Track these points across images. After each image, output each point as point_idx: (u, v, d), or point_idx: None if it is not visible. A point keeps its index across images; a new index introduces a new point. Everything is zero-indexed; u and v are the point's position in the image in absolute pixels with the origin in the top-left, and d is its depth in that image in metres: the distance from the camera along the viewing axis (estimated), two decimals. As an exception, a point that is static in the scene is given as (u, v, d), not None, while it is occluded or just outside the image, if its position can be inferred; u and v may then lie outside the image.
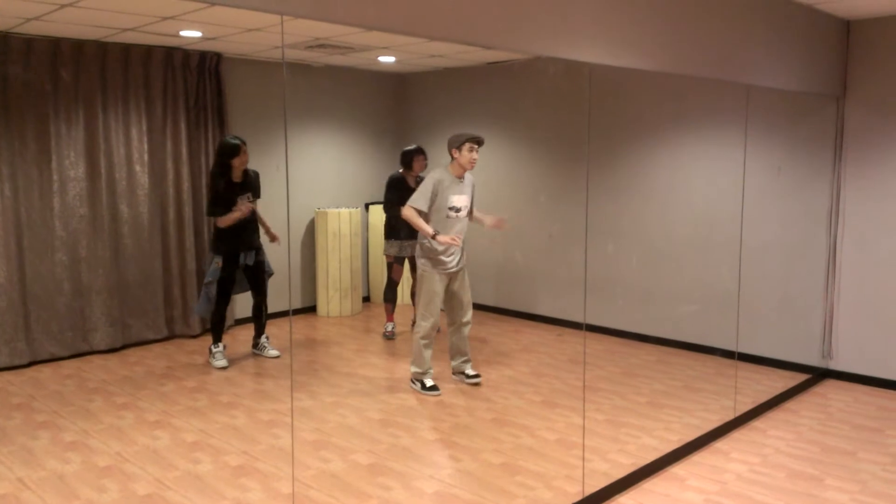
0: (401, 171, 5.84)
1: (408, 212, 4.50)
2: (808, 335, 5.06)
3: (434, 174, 4.54)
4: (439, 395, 4.62)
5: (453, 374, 4.93)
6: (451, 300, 4.73)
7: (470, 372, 4.85)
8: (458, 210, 4.56)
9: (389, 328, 6.01)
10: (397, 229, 5.84)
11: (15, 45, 5.04)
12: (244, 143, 5.07)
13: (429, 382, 4.67)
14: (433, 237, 4.44)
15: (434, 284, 4.58)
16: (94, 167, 5.49)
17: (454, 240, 4.41)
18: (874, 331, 4.80)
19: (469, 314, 4.78)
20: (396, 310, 6.20)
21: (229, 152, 5.01)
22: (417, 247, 4.66)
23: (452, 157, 4.53)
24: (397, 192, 5.70)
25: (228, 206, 5.05)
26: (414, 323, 6.10)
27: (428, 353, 4.67)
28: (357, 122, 7.24)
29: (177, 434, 3.99)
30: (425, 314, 4.62)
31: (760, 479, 3.47)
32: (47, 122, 5.24)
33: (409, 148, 5.81)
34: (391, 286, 5.99)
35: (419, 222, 4.47)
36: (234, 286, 5.29)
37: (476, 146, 4.48)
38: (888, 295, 4.72)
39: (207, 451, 3.75)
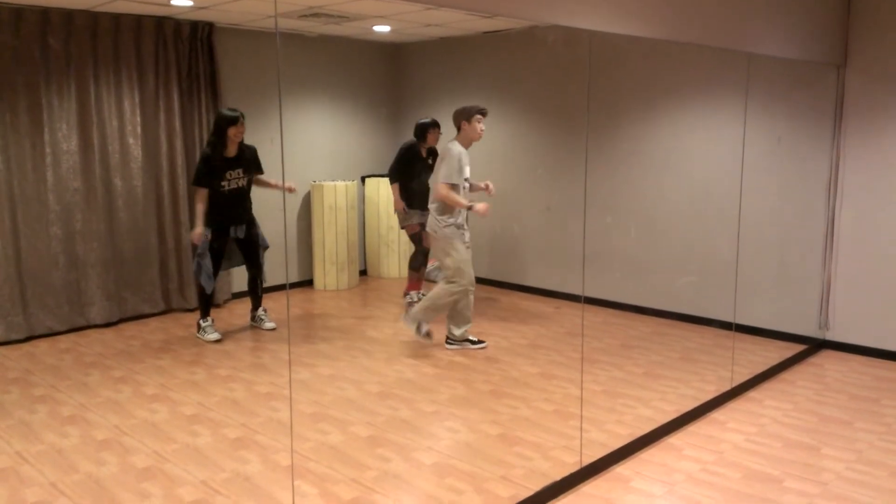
0: (414, 140, 5.83)
1: (444, 190, 4.65)
2: (806, 306, 5.06)
3: (455, 148, 4.69)
4: (431, 342, 4.92)
5: (454, 342, 4.96)
6: None
7: (473, 338, 4.99)
8: (468, 180, 4.79)
9: (416, 297, 6.01)
10: (417, 198, 5.82)
11: (4, 15, 4.95)
12: (242, 115, 5.01)
13: (425, 328, 4.87)
14: (470, 209, 4.63)
15: (464, 252, 4.74)
16: (87, 140, 5.43)
17: (487, 210, 4.64)
18: (871, 302, 4.80)
19: (474, 280, 4.93)
20: (383, 283, 6.18)
21: (227, 123, 4.95)
22: (437, 220, 4.75)
23: (460, 129, 4.70)
24: (413, 163, 5.72)
25: (216, 180, 5.01)
26: (405, 293, 6.12)
27: (442, 312, 4.82)
28: (352, 94, 7.16)
29: (175, 407, 3.99)
30: (460, 277, 4.71)
31: (757, 448, 3.49)
32: (39, 95, 5.17)
33: (425, 121, 5.81)
34: (424, 254, 5.98)
35: (456, 197, 4.64)
36: (222, 260, 5.26)
37: (481, 117, 4.69)
38: (886, 266, 4.72)
39: (206, 424, 3.76)
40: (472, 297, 4.91)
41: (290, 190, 5.48)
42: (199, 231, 5.02)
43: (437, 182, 4.71)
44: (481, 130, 4.69)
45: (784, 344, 5.00)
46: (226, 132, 4.96)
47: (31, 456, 3.41)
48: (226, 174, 5.04)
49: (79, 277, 5.47)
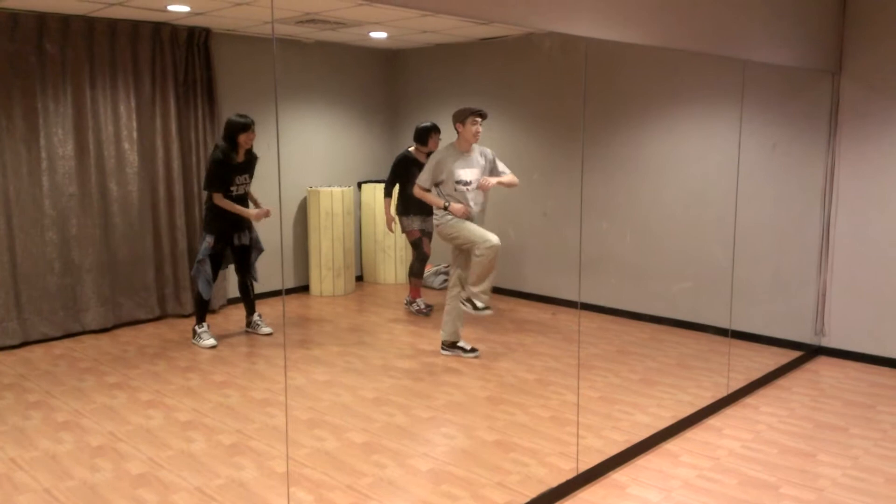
0: (411, 148, 5.87)
1: (416, 191, 4.78)
2: (801, 312, 5.07)
3: (438, 151, 4.74)
4: (491, 313, 4.76)
5: (447, 348, 4.97)
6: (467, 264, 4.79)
7: (466, 346, 4.97)
8: (467, 183, 4.71)
9: (422, 304, 6.02)
10: (416, 204, 5.82)
11: (1, 20, 4.94)
12: (253, 122, 5.05)
13: (481, 304, 4.68)
14: (445, 208, 4.64)
15: (471, 223, 4.65)
16: (83, 145, 5.42)
17: (467, 210, 4.65)
18: (867, 308, 4.81)
19: (496, 238, 4.77)
20: (380, 289, 6.19)
21: (239, 130, 4.97)
22: (436, 214, 4.76)
23: (458, 132, 4.69)
24: (409, 171, 5.75)
25: (226, 185, 5.02)
26: (409, 302, 6.11)
27: (489, 277, 4.66)
28: (349, 100, 7.17)
29: (170, 413, 3.98)
30: (482, 241, 4.55)
31: (753, 454, 3.49)
32: (35, 100, 5.17)
33: (426, 125, 5.82)
34: (423, 260, 5.98)
35: (428, 196, 4.75)
36: (221, 265, 5.27)
37: (479, 119, 4.66)
38: (881, 272, 4.73)
39: (201, 430, 3.74)
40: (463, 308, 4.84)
41: (266, 213, 5.29)
42: (258, 211, 5.11)
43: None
44: (476, 132, 4.66)
45: (780, 350, 5.00)
46: (237, 138, 4.99)
47: (26, 462, 3.40)
48: (235, 179, 5.07)
49: (74, 283, 5.45)
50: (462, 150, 4.71)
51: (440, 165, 4.67)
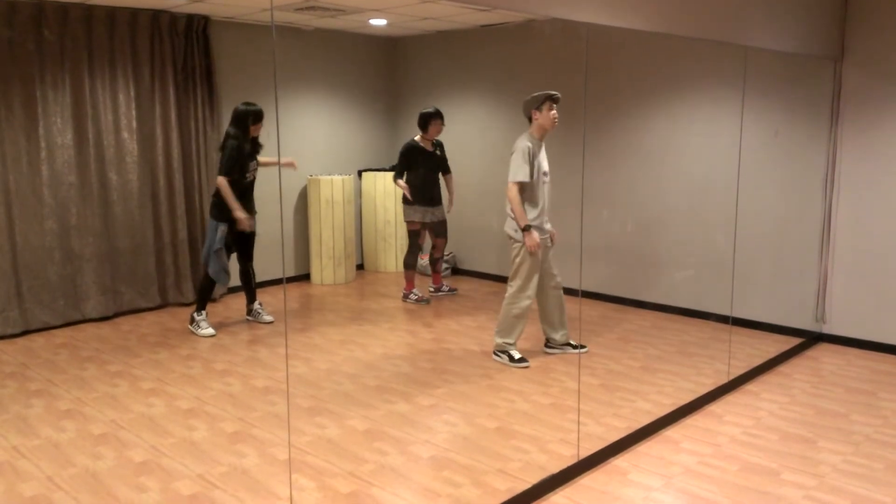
0: (417, 137, 5.83)
1: (510, 191, 4.35)
2: (802, 299, 5.07)
3: (524, 143, 4.35)
4: (528, 366, 4.50)
5: (551, 346, 4.77)
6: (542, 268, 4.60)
7: (573, 342, 4.76)
8: (546, 174, 4.47)
9: (420, 293, 6.06)
10: (420, 193, 5.81)
11: (-3, 7, 4.92)
12: (263, 112, 5.12)
13: (516, 354, 4.54)
14: (524, 230, 4.36)
15: (536, 260, 4.43)
16: (82, 134, 5.41)
17: (537, 245, 4.37)
18: (867, 295, 4.81)
19: (557, 277, 4.66)
20: (380, 277, 6.18)
21: (252, 118, 5.03)
22: (508, 224, 4.50)
23: (531, 120, 4.39)
24: (416, 159, 5.74)
25: (242, 171, 5.09)
26: (405, 296, 6.10)
27: (521, 326, 4.52)
28: (349, 88, 7.14)
29: (172, 401, 3.98)
30: (525, 289, 4.44)
31: (754, 441, 3.49)
32: (33, 88, 5.15)
33: (428, 110, 5.78)
34: (417, 252, 6.00)
35: (520, 209, 4.36)
36: (232, 252, 5.29)
37: (555, 104, 4.36)
38: (882, 259, 4.72)
39: (203, 418, 3.75)
40: (559, 293, 4.64)
41: (291, 165, 5.60)
42: (245, 215, 5.10)
43: (508, 182, 4.39)
44: (554, 117, 4.34)
45: (781, 337, 5.00)
46: (248, 126, 5.03)
47: (28, 450, 3.41)
48: (248, 166, 5.12)
49: (74, 272, 5.45)
50: (539, 138, 4.41)
51: (530, 156, 4.33)
